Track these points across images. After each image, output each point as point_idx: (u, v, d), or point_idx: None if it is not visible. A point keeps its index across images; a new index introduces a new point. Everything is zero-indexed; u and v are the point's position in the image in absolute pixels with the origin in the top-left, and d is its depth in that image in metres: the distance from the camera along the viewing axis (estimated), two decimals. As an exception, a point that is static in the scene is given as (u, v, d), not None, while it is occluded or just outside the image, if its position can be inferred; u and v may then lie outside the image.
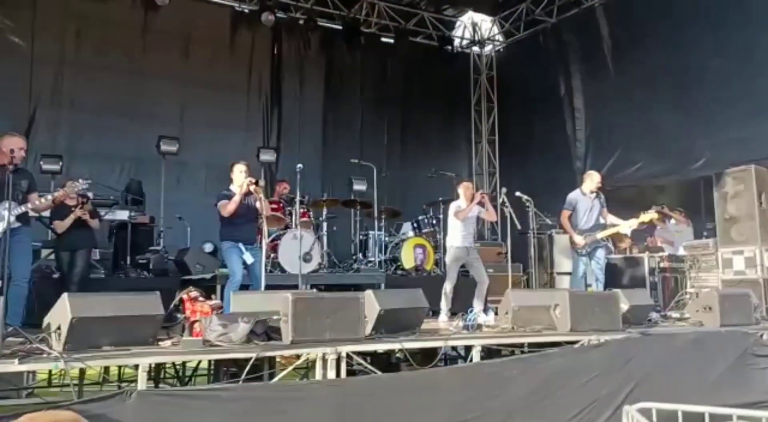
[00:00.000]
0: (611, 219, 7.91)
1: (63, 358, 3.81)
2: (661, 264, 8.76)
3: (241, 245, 6.59)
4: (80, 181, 5.99)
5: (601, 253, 7.76)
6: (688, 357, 5.70)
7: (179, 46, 10.77)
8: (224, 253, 6.75)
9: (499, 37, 13.77)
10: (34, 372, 5.30)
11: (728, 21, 9.10)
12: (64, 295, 4.13)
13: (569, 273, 9.88)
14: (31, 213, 5.86)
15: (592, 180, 7.92)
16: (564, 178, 11.35)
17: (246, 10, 11.40)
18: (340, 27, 12.07)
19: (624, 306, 6.02)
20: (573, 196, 7.92)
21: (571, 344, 5.41)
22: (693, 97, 9.52)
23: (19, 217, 5.53)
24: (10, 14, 9.48)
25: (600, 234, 7.71)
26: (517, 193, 7.92)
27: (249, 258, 6.57)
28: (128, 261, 8.00)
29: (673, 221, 10.04)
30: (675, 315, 7.53)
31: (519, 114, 12.96)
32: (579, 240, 7.70)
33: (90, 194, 6.11)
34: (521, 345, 5.61)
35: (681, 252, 9.12)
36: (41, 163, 8.52)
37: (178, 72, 10.72)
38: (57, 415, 1.56)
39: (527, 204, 7.88)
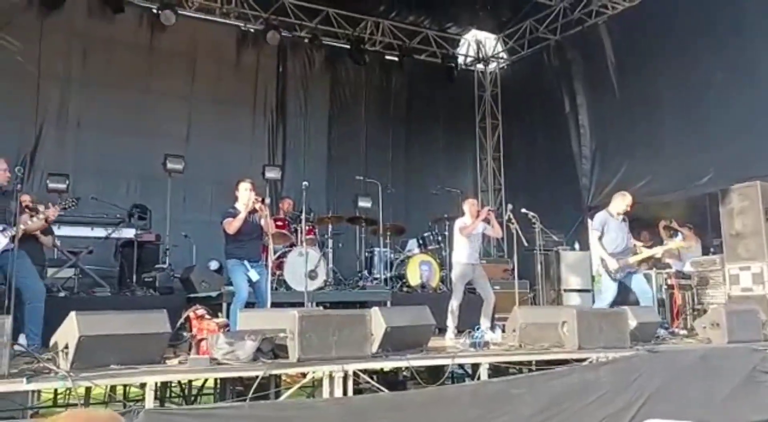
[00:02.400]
0: (634, 243, 7.61)
1: (70, 377, 3.81)
2: (668, 281, 8.71)
3: (246, 262, 6.60)
4: (69, 198, 6.21)
5: (637, 276, 7.39)
6: (697, 374, 5.66)
7: (185, 65, 10.86)
8: (229, 271, 6.75)
9: (503, 55, 13.85)
10: (39, 392, 5.30)
11: (731, 37, 9.12)
12: (72, 314, 4.14)
13: (578, 290, 9.84)
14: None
15: (623, 201, 7.45)
16: (570, 194, 11.40)
17: (252, 30, 11.50)
18: (345, 45, 12.16)
19: (632, 323, 5.99)
20: (602, 217, 7.47)
21: (579, 362, 5.38)
22: (697, 113, 9.52)
23: (12, 239, 5.54)
24: (18, 35, 9.55)
25: (632, 260, 7.36)
26: (523, 210, 7.91)
27: (254, 276, 6.58)
28: (134, 279, 8.00)
29: (680, 237, 10.00)
30: (682, 331, 7.50)
31: (524, 131, 13.00)
32: (613, 264, 7.25)
33: (49, 211, 5.98)
34: (529, 363, 5.57)
35: (688, 268, 9.08)
36: (48, 181, 8.53)
37: (184, 90, 10.80)
38: (96, 412, 1.59)
39: (533, 220, 7.87)
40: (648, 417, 4.77)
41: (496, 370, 5.49)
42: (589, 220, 8.09)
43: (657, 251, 7.79)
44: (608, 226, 7.41)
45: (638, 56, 10.49)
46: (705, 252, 9.33)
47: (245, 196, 6.66)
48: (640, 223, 9.48)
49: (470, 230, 7.47)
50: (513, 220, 7.75)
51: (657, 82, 10.09)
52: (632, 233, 7.74)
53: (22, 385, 3.75)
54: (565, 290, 9.97)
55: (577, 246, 10.50)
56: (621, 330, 5.80)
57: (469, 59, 14.05)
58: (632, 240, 7.62)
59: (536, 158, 12.49)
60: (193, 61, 10.91)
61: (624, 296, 7.52)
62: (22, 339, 5.20)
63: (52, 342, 4.31)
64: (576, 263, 10.14)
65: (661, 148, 9.98)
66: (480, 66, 14.13)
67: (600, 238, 7.41)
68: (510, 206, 8.07)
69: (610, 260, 7.29)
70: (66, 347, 4.05)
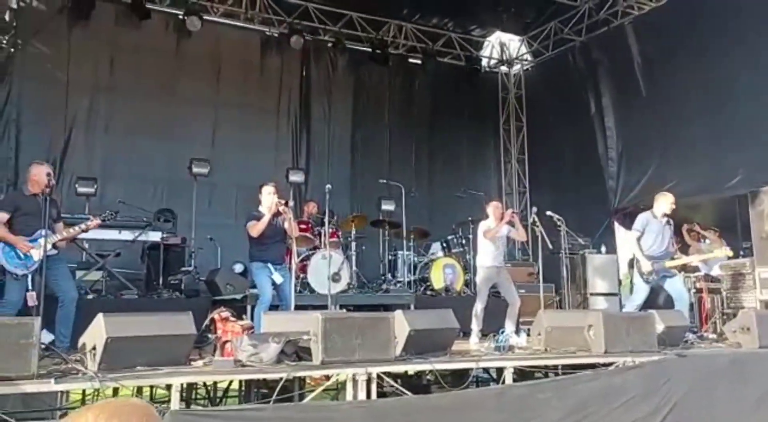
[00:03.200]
0: (675, 247, 7.55)
1: (98, 378, 3.86)
2: (697, 285, 8.57)
3: (270, 265, 6.64)
4: (108, 211, 6.37)
5: (674, 280, 7.31)
6: (726, 379, 5.56)
7: (210, 70, 10.97)
8: (254, 274, 6.80)
9: (528, 57, 13.76)
10: (67, 392, 5.38)
11: (759, 35, 8.96)
12: (99, 315, 4.19)
13: (604, 294, 9.73)
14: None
15: (666, 201, 7.35)
16: (596, 197, 11.27)
17: (275, 34, 11.58)
18: (368, 49, 12.19)
19: (659, 327, 5.91)
20: (644, 217, 7.37)
21: (606, 366, 5.31)
22: (725, 113, 9.35)
23: (54, 246, 5.70)
24: (48, 42, 9.76)
25: (668, 264, 7.27)
26: (548, 213, 7.84)
27: (278, 278, 6.61)
28: (160, 282, 8.08)
29: (707, 241, 9.83)
30: (712, 336, 7.36)
31: (549, 133, 12.87)
32: (646, 266, 7.17)
33: (90, 222, 6.08)
34: (555, 367, 5.52)
35: (716, 271, 8.92)
36: (76, 185, 8.69)
37: (209, 95, 10.91)
38: (129, 401, 1.60)
39: (558, 223, 7.80)
40: (676, 422, 4.70)
41: (521, 374, 5.43)
42: (616, 223, 8.01)
43: (693, 259, 7.71)
44: (649, 227, 7.32)
45: (665, 56, 10.35)
46: (734, 255, 9.16)
47: (269, 199, 6.69)
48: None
49: (494, 233, 7.42)
50: (538, 223, 7.69)
51: (684, 82, 9.93)
52: None
53: (50, 386, 3.81)
54: (591, 294, 9.85)
55: (603, 249, 10.38)
56: (648, 334, 5.72)
57: (492, 61, 13.99)
58: (674, 245, 7.53)
59: (561, 160, 12.38)
60: (218, 66, 11.02)
61: (651, 300, 7.42)
62: (45, 335, 5.31)
63: (80, 344, 4.37)
64: (602, 266, 10.02)
65: (690, 150, 9.82)
66: (504, 68, 14.06)
67: (639, 239, 7.32)
68: (535, 209, 8.02)
69: (645, 262, 7.20)
70: (94, 348, 4.10)
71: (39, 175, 5.74)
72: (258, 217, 6.66)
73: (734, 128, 9.19)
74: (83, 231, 6.04)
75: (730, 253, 7.70)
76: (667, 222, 7.41)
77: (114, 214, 6.53)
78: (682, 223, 9.78)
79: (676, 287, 7.32)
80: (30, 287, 5.56)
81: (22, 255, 5.58)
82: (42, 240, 5.52)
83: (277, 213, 6.68)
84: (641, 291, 7.27)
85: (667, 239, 7.35)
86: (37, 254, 5.56)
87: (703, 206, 10.35)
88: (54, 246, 5.71)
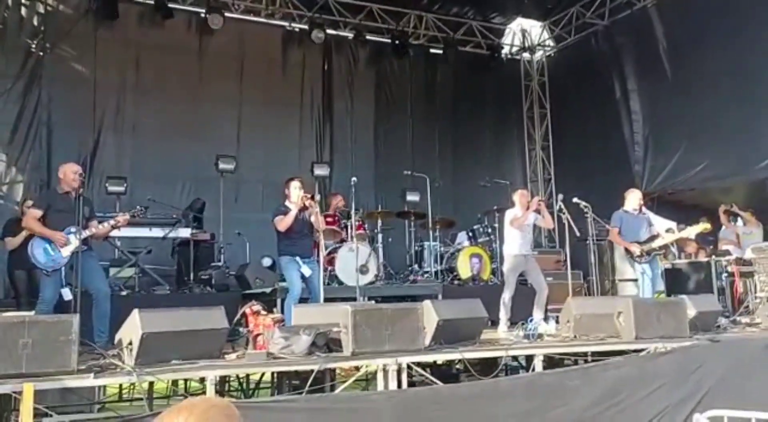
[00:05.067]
0: (664, 235, 7.88)
1: (135, 372, 3.96)
2: (729, 268, 8.44)
3: (298, 259, 6.71)
4: (138, 207, 6.52)
5: (655, 263, 7.74)
6: (761, 364, 5.49)
7: (234, 67, 11.07)
8: (283, 267, 6.87)
9: (550, 42, 13.62)
10: (104, 387, 5.52)
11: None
12: (135, 311, 4.29)
13: (632, 280, 9.65)
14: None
15: (634, 197, 7.91)
16: (623, 182, 11.03)
17: (296, 29, 11.64)
18: (388, 40, 12.18)
19: (691, 313, 5.86)
20: (617, 215, 7.89)
21: (637, 352, 5.29)
22: (755, 93, 9.19)
23: (84, 241, 5.80)
24: (74, 44, 9.95)
25: (656, 243, 7.64)
26: (575, 199, 7.78)
27: (307, 271, 6.68)
28: (191, 277, 8.22)
29: (741, 222, 9.67)
30: (745, 320, 7.27)
31: (573, 119, 12.75)
32: (635, 247, 7.60)
33: (120, 218, 6.17)
34: (584, 355, 5.50)
35: (748, 254, 8.78)
36: (107, 184, 8.84)
37: (233, 91, 11.01)
38: (214, 400, 1.65)
39: (585, 210, 7.75)
40: (710, 407, 4.64)
41: (550, 362, 5.44)
42: (643, 208, 8.01)
43: (688, 232, 7.95)
44: (626, 224, 7.78)
45: (691, 38, 10.17)
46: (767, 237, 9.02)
47: (295, 193, 6.76)
48: (699, 209, 9.22)
49: (521, 222, 7.40)
50: (564, 210, 7.64)
51: (712, 64, 9.76)
52: (689, 220, 7.81)
53: (90, 380, 3.92)
54: (619, 280, 9.78)
55: (631, 235, 10.27)
56: (680, 319, 5.68)
57: (514, 48, 13.87)
58: (656, 230, 7.84)
59: (586, 146, 12.24)
60: (241, 62, 11.11)
61: (683, 284, 7.48)
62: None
63: (116, 339, 4.48)
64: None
65: (718, 132, 9.66)
66: (526, 55, 13.93)
67: (618, 233, 7.78)
68: (561, 196, 7.94)
69: (632, 246, 7.62)
70: (130, 343, 4.21)
71: (66, 173, 5.89)
72: (285, 212, 6.73)
73: (763, 110, 9.03)
74: (114, 227, 6.14)
75: (703, 228, 7.89)
76: (640, 212, 7.89)
77: (144, 210, 6.66)
78: (713, 207, 9.65)
79: (655, 267, 7.71)
80: (63, 283, 5.70)
81: (51, 252, 5.69)
82: (71, 237, 5.67)
83: (304, 208, 6.74)
84: (645, 279, 7.56)
85: (645, 228, 7.76)
86: (67, 250, 5.68)
87: (734, 188, 10.20)
88: (85, 242, 5.82)
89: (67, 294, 5.67)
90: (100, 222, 6.06)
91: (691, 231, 8.00)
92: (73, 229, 5.72)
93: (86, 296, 5.70)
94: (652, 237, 7.70)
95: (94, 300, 5.73)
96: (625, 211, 7.89)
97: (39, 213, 5.81)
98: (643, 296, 7.44)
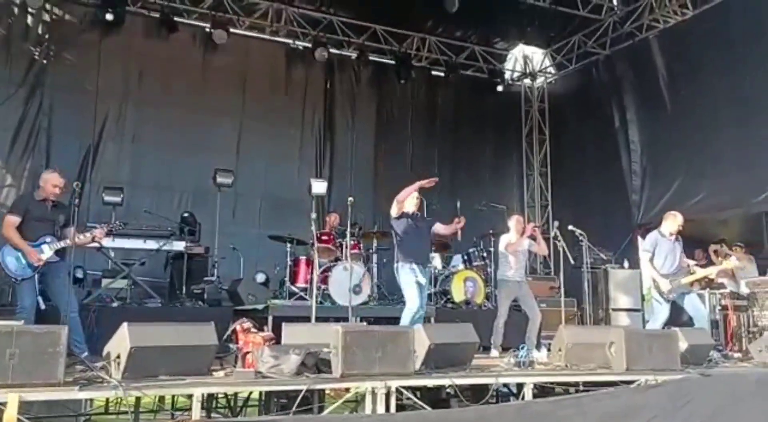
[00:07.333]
0: (687, 263, 7.49)
1: (122, 387, 3.92)
2: (722, 302, 8.43)
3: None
4: (116, 222, 6.53)
5: (691, 296, 7.28)
6: (752, 400, 5.45)
7: (236, 82, 11.13)
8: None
9: (551, 69, 13.74)
10: (91, 399, 5.46)
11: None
12: (124, 325, 4.26)
13: (626, 310, 9.62)
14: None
15: (674, 220, 7.33)
16: (619, 211, 11.17)
17: (300, 47, 11.72)
18: (391, 61, 12.26)
19: (683, 345, 5.83)
20: (652, 237, 7.37)
21: (628, 384, 5.25)
22: (752, 127, 9.25)
23: (57, 252, 5.75)
24: (78, 54, 10.02)
25: (685, 280, 7.24)
26: (570, 227, 7.79)
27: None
28: (183, 291, 8.17)
29: (734, 257, 9.68)
30: (737, 355, 7.24)
31: (572, 146, 12.82)
32: (665, 285, 7.14)
33: (97, 231, 6.11)
34: (576, 384, 5.47)
35: (743, 288, 8.77)
36: (103, 194, 8.80)
37: (234, 107, 11.06)
38: None
39: (580, 238, 7.75)
40: (700, 443, 4.63)
41: (541, 390, 5.40)
42: (639, 238, 7.93)
43: (710, 271, 7.61)
44: (659, 247, 7.29)
45: (690, 70, 10.27)
46: (761, 272, 9.01)
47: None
48: (693, 241, 9.20)
49: (515, 247, 7.41)
50: (559, 237, 7.64)
51: (710, 96, 9.84)
52: (685, 252, 7.56)
53: (75, 393, 3.88)
54: (613, 309, 9.74)
55: (626, 264, 10.26)
56: (671, 352, 5.64)
57: (516, 74, 13.98)
58: (685, 260, 7.49)
59: (584, 174, 12.29)
60: (244, 78, 11.18)
61: (675, 317, 7.34)
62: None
63: (105, 352, 4.44)
64: (625, 282, 9.90)
65: (716, 164, 9.71)
66: (527, 81, 14.04)
67: (651, 260, 7.28)
68: (556, 223, 7.96)
69: (662, 281, 7.17)
70: (118, 357, 4.17)
71: (47, 183, 5.83)
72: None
73: (762, 142, 9.09)
74: (91, 240, 6.06)
75: (739, 264, 7.76)
76: (676, 239, 7.36)
77: (122, 225, 6.63)
78: (708, 239, 9.64)
79: (694, 304, 7.26)
80: (38, 291, 5.66)
81: (23, 260, 5.63)
82: (45, 247, 5.64)
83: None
84: (663, 310, 7.20)
85: (678, 257, 7.31)
86: (39, 261, 5.63)
87: (730, 221, 10.22)
88: (59, 253, 5.76)
89: (41, 303, 5.63)
90: (82, 233, 5.98)
91: (727, 266, 7.76)
92: (48, 239, 5.68)
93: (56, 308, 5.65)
94: (682, 271, 7.28)
95: (63, 313, 5.57)
96: (662, 234, 7.35)
97: (17, 220, 5.71)
98: (654, 324, 7.24)
